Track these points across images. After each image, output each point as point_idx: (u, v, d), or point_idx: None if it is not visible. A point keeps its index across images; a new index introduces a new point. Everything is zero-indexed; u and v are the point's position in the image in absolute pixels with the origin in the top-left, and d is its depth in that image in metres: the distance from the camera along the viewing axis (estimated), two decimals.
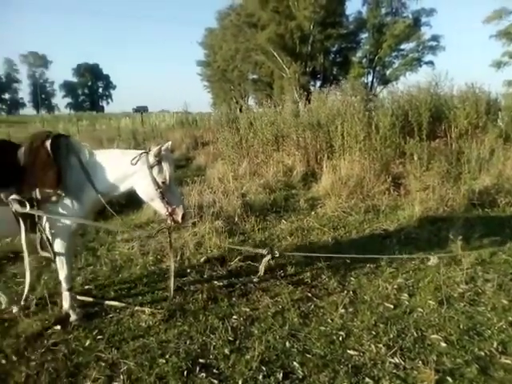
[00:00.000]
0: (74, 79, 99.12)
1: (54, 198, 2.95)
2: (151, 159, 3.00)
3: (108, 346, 2.97)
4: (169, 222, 3.13)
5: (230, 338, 3.05)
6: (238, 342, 3.01)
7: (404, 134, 7.73)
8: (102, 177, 3.07)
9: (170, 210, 3.04)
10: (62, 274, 3.22)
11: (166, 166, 3.00)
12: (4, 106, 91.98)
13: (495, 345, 2.88)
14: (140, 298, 3.70)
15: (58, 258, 3.15)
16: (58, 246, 3.13)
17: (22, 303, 3.34)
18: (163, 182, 2.99)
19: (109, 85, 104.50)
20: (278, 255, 2.75)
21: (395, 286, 3.78)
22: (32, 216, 2.94)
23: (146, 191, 3.05)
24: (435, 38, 34.09)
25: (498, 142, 7.62)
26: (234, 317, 3.34)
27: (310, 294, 3.69)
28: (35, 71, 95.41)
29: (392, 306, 3.45)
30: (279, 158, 8.57)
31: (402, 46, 35.11)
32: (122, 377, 2.62)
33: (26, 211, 2.88)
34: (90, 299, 3.62)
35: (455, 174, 6.59)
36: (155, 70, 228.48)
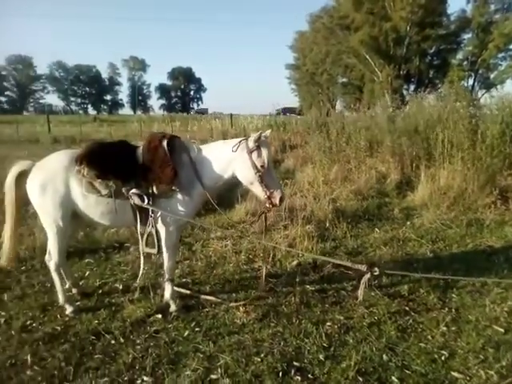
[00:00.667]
0: (169, 82, 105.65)
1: (169, 194, 3.17)
2: (250, 144, 3.13)
3: (205, 338, 3.10)
4: (267, 205, 3.21)
5: (325, 345, 3.02)
6: (332, 349, 2.97)
7: None
8: (209, 169, 3.25)
9: (268, 193, 3.12)
10: (167, 264, 3.43)
11: (264, 150, 3.11)
12: (105, 107, 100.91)
13: None
14: (234, 295, 3.80)
15: (165, 250, 3.36)
16: (167, 238, 3.34)
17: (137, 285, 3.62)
18: (262, 166, 3.10)
19: (200, 87, 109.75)
20: (377, 273, 2.57)
21: (505, 309, 3.46)
22: (146, 209, 3.18)
23: (246, 175, 3.17)
24: None
25: None
26: (328, 323, 3.30)
27: (407, 308, 3.52)
28: (134, 74, 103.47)
29: (502, 330, 3.16)
30: (372, 165, 8.31)
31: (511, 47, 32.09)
32: (219, 370, 2.72)
33: (144, 205, 3.12)
34: (188, 292, 3.81)
35: None
36: (243, 72, 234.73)
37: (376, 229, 5.61)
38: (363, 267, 2.58)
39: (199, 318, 3.41)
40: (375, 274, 2.54)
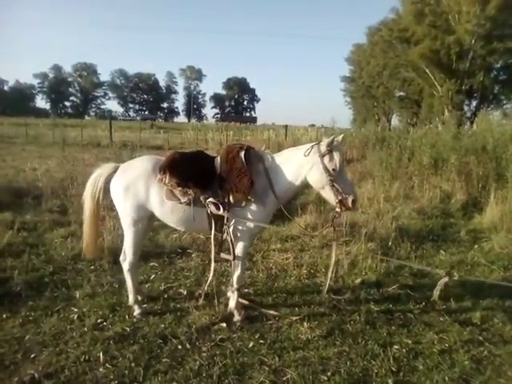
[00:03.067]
0: (223, 92, 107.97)
1: (243, 203, 3.24)
2: (322, 148, 3.16)
3: (270, 351, 3.10)
4: (337, 209, 3.18)
5: (393, 369, 2.93)
6: (401, 375, 2.88)
7: None
8: (281, 176, 3.30)
9: (340, 196, 3.11)
10: (236, 273, 3.48)
11: (336, 154, 3.12)
12: (161, 114, 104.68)
13: None
14: (296, 309, 3.78)
15: (236, 259, 3.41)
16: (239, 247, 3.40)
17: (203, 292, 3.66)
18: (334, 170, 3.10)
19: (254, 98, 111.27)
20: (456, 277, 2.56)
21: None
22: (222, 217, 3.25)
23: (318, 179, 3.19)
24: None
25: None
26: (396, 346, 3.20)
27: (481, 338, 3.35)
28: (191, 83, 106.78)
29: None
30: (436, 183, 8.01)
31: None
32: None
33: (221, 213, 3.20)
34: (250, 304, 3.80)
35: None
36: (298, 85, 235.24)
37: (441, 251, 5.39)
38: (442, 271, 2.64)
39: (263, 330, 3.41)
40: (454, 278, 2.56)
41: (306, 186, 3.38)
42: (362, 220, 6.06)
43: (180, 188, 3.21)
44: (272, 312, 3.65)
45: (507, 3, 27.14)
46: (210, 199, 3.20)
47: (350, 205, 3.13)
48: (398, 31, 34.75)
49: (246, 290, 4.17)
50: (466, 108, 33.02)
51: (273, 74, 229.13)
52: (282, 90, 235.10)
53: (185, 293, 4.04)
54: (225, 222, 3.27)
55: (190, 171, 3.23)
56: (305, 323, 3.46)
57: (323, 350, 3.13)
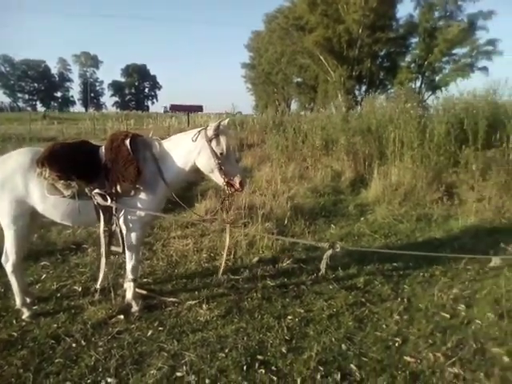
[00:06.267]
0: (122, 79, 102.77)
1: (132, 192, 3.17)
2: (209, 133, 3.21)
3: (169, 337, 3.12)
4: (227, 191, 3.29)
5: (287, 338, 3.12)
6: (294, 342, 3.08)
7: (459, 143, 7.52)
8: (171, 162, 3.28)
9: (227, 179, 3.21)
10: (130, 264, 3.41)
11: (223, 138, 3.20)
12: (55, 104, 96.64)
13: None
14: (196, 293, 3.83)
15: (128, 249, 3.34)
16: (130, 237, 3.33)
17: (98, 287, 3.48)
18: (221, 153, 3.18)
19: (155, 85, 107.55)
20: (339, 249, 2.81)
21: (451, 296, 3.73)
22: (110, 208, 3.15)
23: (206, 163, 3.24)
24: (491, 42, 32.48)
25: None
26: (289, 317, 3.42)
27: (363, 299, 3.71)
28: (86, 71, 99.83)
29: (448, 316, 3.41)
30: (328, 163, 8.57)
31: (454, 51, 33.80)
32: (184, 368, 2.75)
33: (107, 204, 3.10)
34: (148, 293, 3.76)
35: None
36: (198, 70, 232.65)
37: (332, 225, 5.82)
38: (326, 245, 2.85)
39: (162, 317, 3.41)
40: (337, 250, 2.79)
41: (196, 171, 3.40)
42: (260, 202, 6.28)
43: (62, 181, 3.03)
44: (171, 299, 3.66)
45: None
46: (96, 190, 3.09)
47: (237, 186, 3.23)
48: (293, 19, 35.85)
49: (146, 280, 4.11)
50: (357, 93, 35.38)
51: (176, 62, 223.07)
52: (188, 77, 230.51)
53: (80, 290, 3.86)
54: (113, 212, 3.18)
55: (72, 162, 3.06)
56: (204, 305, 3.53)
57: (221, 329, 3.22)
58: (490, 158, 7.17)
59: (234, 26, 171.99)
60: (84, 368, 2.76)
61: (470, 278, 4.13)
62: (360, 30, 31.75)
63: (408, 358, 2.86)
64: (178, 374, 2.70)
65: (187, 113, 24.00)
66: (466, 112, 8.06)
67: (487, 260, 4.16)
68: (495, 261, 4.01)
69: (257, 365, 2.80)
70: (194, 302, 3.58)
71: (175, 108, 41.16)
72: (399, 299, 3.72)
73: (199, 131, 3.26)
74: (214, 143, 3.18)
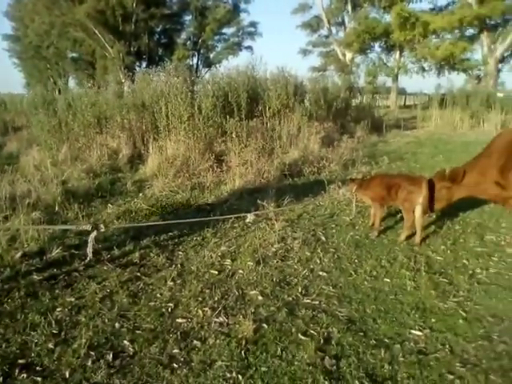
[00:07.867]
0: None
1: None
2: None
3: None
4: None
5: (55, 331, 2.87)
6: (63, 334, 2.85)
7: (225, 114, 8.16)
8: None
9: None
10: None
11: None
12: None
13: (300, 290, 3.39)
14: None
15: None
16: None
17: None
18: None
19: None
20: (103, 229, 2.67)
21: (219, 254, 4.07)
22: None
23: None
24: (253, 24, 36.24)
25: (303, 120, 8.69)
26: (58, 309, 3.14)
27: (138, 274, 3.69)
28: None
29: (216, 272, 3.71)
30: (103, 141, 8.18)
31: (224, 31, 36.36)
32: None
33: None
34: None
35: (269, 149, 7.30)
36: None
37: (109, 204, 5.62)
38: (88, 226, 2.66)
39: None
40: (101, 230, 2.65)
41: None
42: (25, 190, 5.58)
43: None
44: None
45: None
46: None
47: None
48: None
49: None
50: (138, 69, 34.66)
51: None
52: None
53: None
54: None
55: None
56: None
57: None
58: (252, 126, 8.04)
59: None
60: None
61: (235, 235, 4.59)
62: (134, 5, 30.90)
63: (179, 320, 2.98)
64: None
65: None
66: (229, 86, 8.78)
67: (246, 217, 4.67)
68: (250, 217, 4.52)
69: (17, 371, 2.49)
70: None
71: None
72: (173, 266, 3.84)
73: None
74: None
